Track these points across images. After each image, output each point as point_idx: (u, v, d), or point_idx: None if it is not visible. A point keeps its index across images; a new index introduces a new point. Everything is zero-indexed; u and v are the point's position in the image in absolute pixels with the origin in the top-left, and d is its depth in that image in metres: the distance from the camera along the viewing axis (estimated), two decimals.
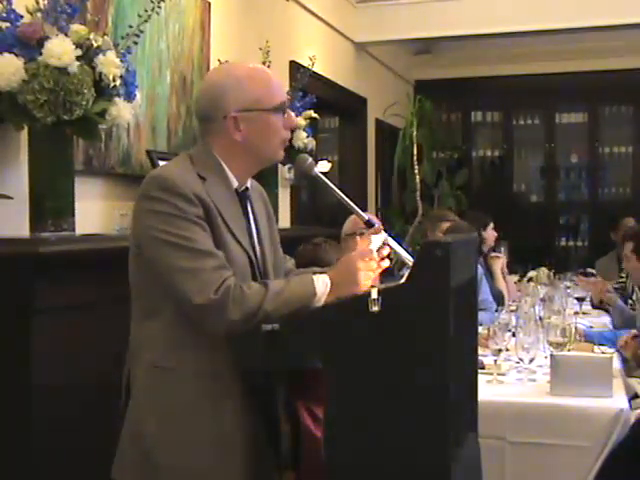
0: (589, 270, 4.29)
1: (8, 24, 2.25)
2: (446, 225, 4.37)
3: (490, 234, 4.69)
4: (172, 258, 1.72)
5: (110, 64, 2.35)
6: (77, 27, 2.33)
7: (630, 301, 4.27)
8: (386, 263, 1.90)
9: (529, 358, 2.85)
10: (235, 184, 1.90)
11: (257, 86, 1.87)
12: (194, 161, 1.86)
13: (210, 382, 1.79)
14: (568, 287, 4.58)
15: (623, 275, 4.54)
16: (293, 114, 1.96)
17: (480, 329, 2.74)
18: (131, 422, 1.83)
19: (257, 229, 1.96)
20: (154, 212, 1.75)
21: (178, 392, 1.79)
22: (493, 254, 4.69)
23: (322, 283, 1.78)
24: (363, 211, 2.05)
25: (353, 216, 3.56)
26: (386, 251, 1.90)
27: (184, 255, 1.71)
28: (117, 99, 2.40)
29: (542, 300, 3.92)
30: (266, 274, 1.92)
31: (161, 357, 1.80)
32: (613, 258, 5.48)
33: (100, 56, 2.33)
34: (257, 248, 1.93)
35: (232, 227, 1.82)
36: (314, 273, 1.84)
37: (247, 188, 1.95)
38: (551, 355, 2.72)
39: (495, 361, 2.87)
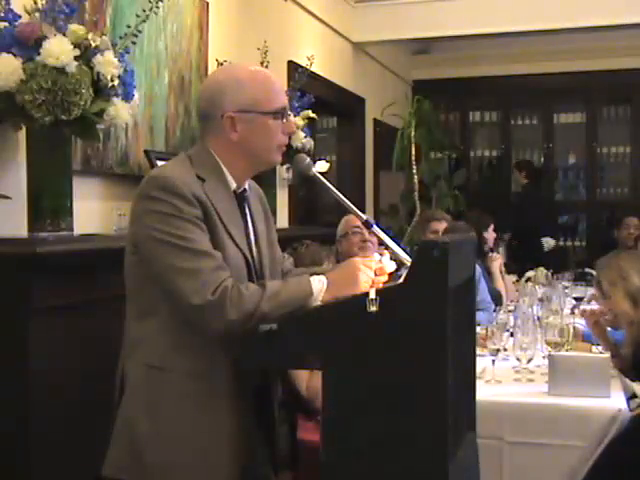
0: (588, 270, 4.24)
1: (6, 24, 2.25)
2: (435, 225, 4.37)
3: (491, 235, 4.71)
4: (170, 258, 1.72)
5: (108, 64, 2.34)
6: (75, 27, 2.33)
7: None
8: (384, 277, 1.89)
9: (527, 358, 2.85)
10: (233, 185, 1.90)
11: (257, 88, 1.86)
12: (193, 162, 1.86)
13: (205, 382, 1.79)
14: (566, 287, 4.57)
15: None
16: (292, 119, 1.95)
17: (478, 329, 2.74)
18: (123, 421, 1.83)
19: (254, 230, 1.96)
20: (153, 212, 1.75)
21: (172, 392, 1.78)
22: (491, 254, 4.70)
23: (319, 282, 1.78)
24: (361, 211, 2.05)
25: (346, 217, 3.56)
26: (389, 269, 1.89)
27: (182, 255, 1.71)
28: (115, 99, 2.40)
29: (540, 300, 3.91)
30: (262, 275, 1.92)
31: (156, 357, 1.80)
32: None
33: (98, 56, 2.33)
34: (254, 249, 1.93)
35: (230, 229, 1.83)
36: (313, 273, 1.84)
37: (245, 189, 1.95)
38: (549, 355, 2.72)
39: (493, 361, 2.87)
